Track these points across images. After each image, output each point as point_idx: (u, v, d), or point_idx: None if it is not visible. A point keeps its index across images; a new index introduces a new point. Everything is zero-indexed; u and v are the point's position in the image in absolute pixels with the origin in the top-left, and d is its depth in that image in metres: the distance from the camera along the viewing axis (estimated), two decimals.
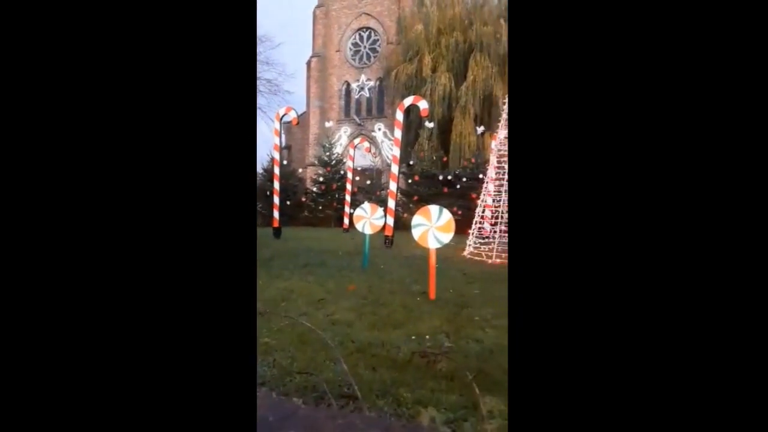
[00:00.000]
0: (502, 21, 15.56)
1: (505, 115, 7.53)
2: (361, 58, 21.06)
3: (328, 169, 16.42)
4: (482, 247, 7.17)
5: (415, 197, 12.77)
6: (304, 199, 16.13)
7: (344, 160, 15.79)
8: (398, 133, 8.21)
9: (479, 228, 7.50)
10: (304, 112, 21.03)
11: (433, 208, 4.23)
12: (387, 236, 7.90)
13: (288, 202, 14.19)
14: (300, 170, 18.75)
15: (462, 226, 8.20)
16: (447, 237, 4.11)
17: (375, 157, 18.08)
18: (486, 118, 14.98)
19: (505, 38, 14.99)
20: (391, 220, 7.94)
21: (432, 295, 3.97)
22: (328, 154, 16.93)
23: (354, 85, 20.88)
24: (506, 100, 7.73)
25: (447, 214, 4.15)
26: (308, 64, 21.94)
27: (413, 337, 2.78)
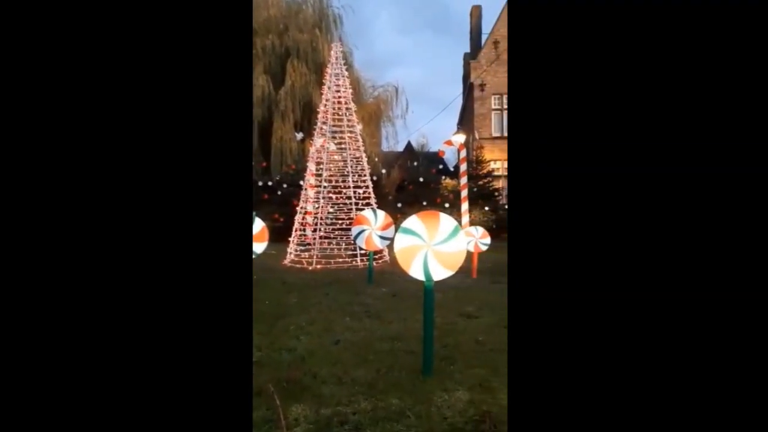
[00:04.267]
0: (317, 31, 16.07)
1: (320, 123, 7.79)
2: None
3: None
4: (303, 254, 7.25)
5: None
6: None
7: None
8: None
9: (300, 235, 7.57)
10: None
11: None
12: None
13: None
14: None
15: (284, 233, 8.12)
16: (261, 246, 4.02)
17: None
18: (306, 125, 15.22)
19: (320, 47, 15.53)
20: None
21: None
22: None
23: None
24: (321, 109, 8.01)
25: (260, 223, 4.06)
26: None
27: None
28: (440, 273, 2.45)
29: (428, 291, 2.45)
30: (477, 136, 16.82)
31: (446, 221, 2.49)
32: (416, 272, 2.45)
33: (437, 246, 2.45)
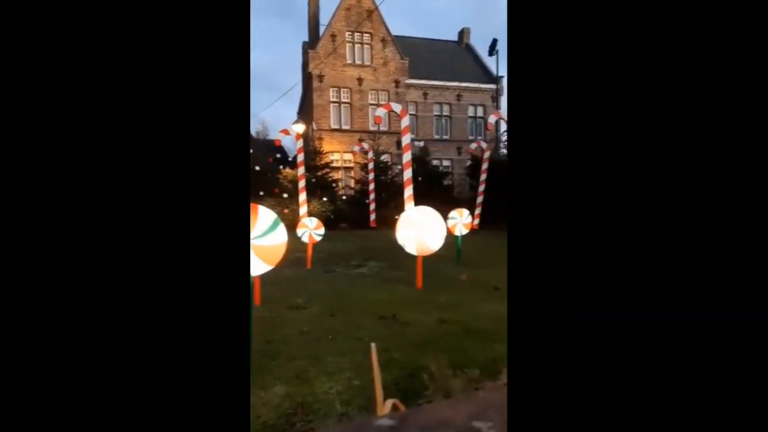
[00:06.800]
0: None
1: None
2: None
3: None
4: None
5: None
6: None
7: None
8: None
9: None
10: None
11: None
12: None
13: None
14: None
15: None
16: None
17: None
18: None
19: None
20: None
21: None
22: None
23: None
24: None
25: None
26: None
27: None
28: (259, 268, 2.38)
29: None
30: (316, 127, 16.94)
31: (265, 214, 2.43)
32: None
33: (256, 240, 2.37)
